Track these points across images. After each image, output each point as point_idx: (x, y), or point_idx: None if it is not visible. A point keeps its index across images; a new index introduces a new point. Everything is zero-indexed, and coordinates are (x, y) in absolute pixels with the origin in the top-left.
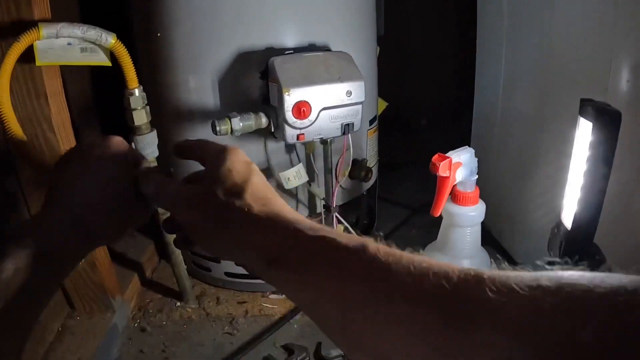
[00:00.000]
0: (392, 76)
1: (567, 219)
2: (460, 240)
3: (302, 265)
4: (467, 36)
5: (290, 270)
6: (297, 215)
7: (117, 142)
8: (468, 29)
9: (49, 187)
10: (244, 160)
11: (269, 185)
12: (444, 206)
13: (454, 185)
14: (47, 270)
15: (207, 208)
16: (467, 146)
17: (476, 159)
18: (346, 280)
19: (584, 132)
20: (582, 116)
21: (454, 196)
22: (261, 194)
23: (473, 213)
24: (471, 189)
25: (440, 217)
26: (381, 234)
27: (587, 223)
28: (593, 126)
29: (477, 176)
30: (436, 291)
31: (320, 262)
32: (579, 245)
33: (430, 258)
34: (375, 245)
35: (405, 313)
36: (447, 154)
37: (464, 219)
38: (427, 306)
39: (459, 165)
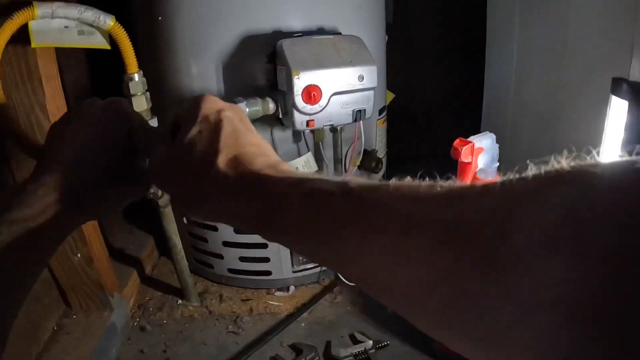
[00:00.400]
0: (399, 68)
1: None
2: None
3: (290, 226)
4: (476, 28)
5: (279, 232)
6: (271, 165)
7: (120, 103)
8: (477, 20)
9: (42, 150)
10: (215, 110)
11: (241, 127)
12: None
13: (474, 174)
14: (31, 245)
15: (182, 182)
16: (487, 131)
17: (497, 145)
18: (338, 227)
19: (617, 111)
20: (615, 95)
21: None
22: (233, 151)
23: None
24: (492, 176)
25: None
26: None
27: None
28: (629, 104)
29: (498, 163)
30: (424, 218)
31: (308, 218)
32: None
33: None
34: (357, 183)
35: (397, 244)
36: (468, 139)
37: None
38: (418, 233)
39: (481, 151)
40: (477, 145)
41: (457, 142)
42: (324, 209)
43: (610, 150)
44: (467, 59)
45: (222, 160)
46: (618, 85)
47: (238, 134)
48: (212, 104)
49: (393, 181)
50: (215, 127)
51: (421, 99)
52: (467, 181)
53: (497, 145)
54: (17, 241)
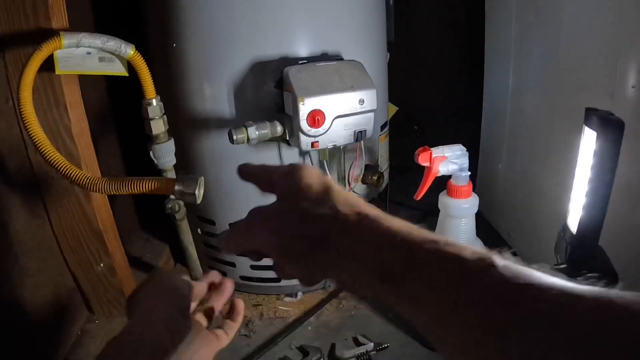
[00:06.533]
0: (402, 81)
1: (573, 224)
2: (455, 230)
3: (419, 285)
4: (476, 40)
5: (406, 287)
6: (399, 221)
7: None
8: (477, 33)
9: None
10: (317, 173)
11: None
12: (424, 192)
13: (448, 180)
14: None
15: (297, 227)
16: (460, 144)
17: (467, 154)
18: (460, 306)
19: (589, 140)
20: (586, 125)
21: (449, 189)
22: (351, 201)
23: (466, 205)
24: (463, 182)
25: None
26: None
27: (591, 228)
28: (597, 135)
29: (469, 172)
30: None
31: (439, 283)
32: (584, 249)
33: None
34: (503, 265)
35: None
36: (435, 148)
37: (458, 210)
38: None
39: (443, 159)
40: (436, 154)
41: (420, 149)
42: (455, 282)
43: (582, 175)
44: (468, 71)
45: (342, 206)
46: (589, 116)
47: (349, 193)
48: (315, 170)
49: (539, 269)
50: (325, 184)
51: (424, 110)
52: (427, 183)
53: (467, 154)
54: None
